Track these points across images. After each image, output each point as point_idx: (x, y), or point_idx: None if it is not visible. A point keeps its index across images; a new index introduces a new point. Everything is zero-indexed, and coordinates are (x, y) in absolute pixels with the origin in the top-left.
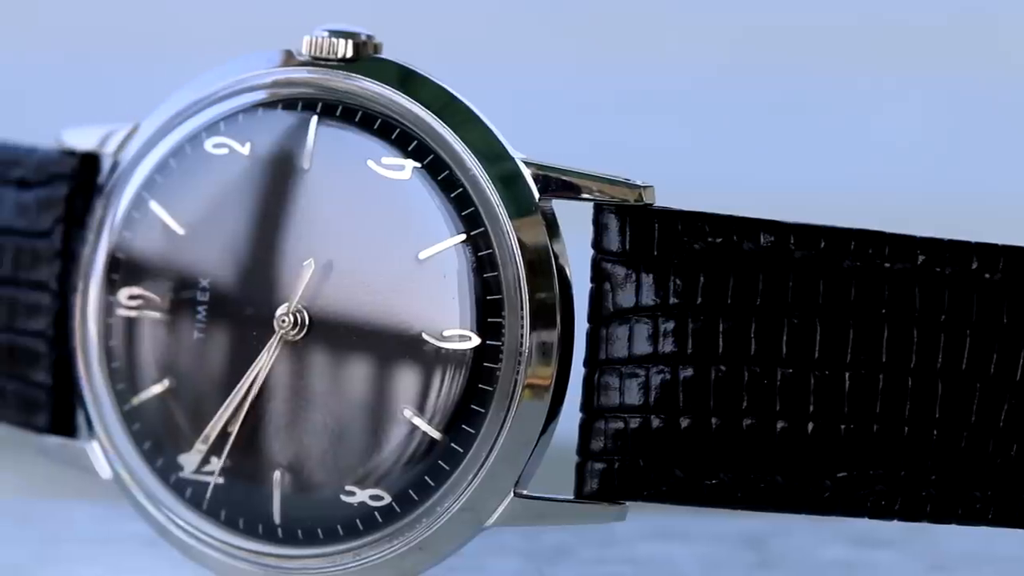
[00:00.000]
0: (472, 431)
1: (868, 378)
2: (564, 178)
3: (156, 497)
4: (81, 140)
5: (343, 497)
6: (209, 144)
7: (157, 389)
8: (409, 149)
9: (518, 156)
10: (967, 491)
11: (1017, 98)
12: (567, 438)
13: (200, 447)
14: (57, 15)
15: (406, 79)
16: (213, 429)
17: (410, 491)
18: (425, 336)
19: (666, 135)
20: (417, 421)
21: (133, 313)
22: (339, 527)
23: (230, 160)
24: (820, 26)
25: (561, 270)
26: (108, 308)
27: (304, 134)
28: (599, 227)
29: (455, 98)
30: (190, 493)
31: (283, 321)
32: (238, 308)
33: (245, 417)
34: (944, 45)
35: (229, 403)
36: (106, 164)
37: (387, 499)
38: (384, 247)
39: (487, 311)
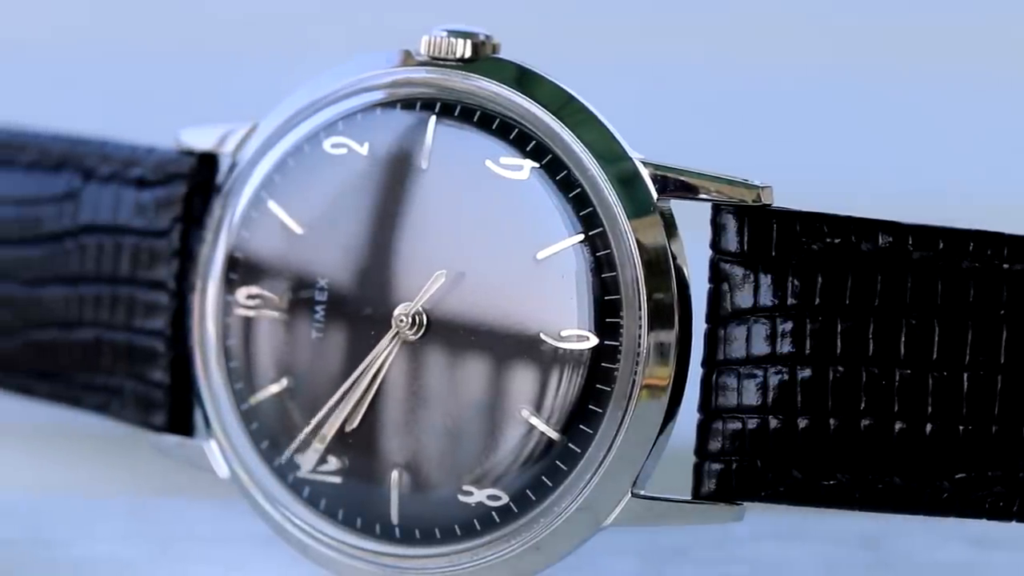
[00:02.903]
0: (590, 431)
1: (986, 379)
2: (682, 178)
3: (273, 496)
4: (199, 140)
5: (461, 497)
6: (328, 144)
7: (275, 388)
8: (527, 149)
9: (636, 156)
10: None
11: None
12: (685, 438)
13: (317, 446)
14: (176, 16)
15: (524, 79)
16: (330, 428)
17: (528, 491)
18: (543, 336)
19: (781, 134)
20: (535, 421)
21: (251, 312)
22: (456, 527)
23: (348, 160)
24: (933, 27)
25: (679, 270)
26: (226, 307)
27: (422, 134)
28: (717, 227)
29: (573, 98)
30: (308, 492)
31: (401, 321)
32: (356, 308)
33: (363, 416)
34: None
35: (346, 402)
36: (224, 164)
37: (505, 499)
38: (502, 247)
39: (605, 311)
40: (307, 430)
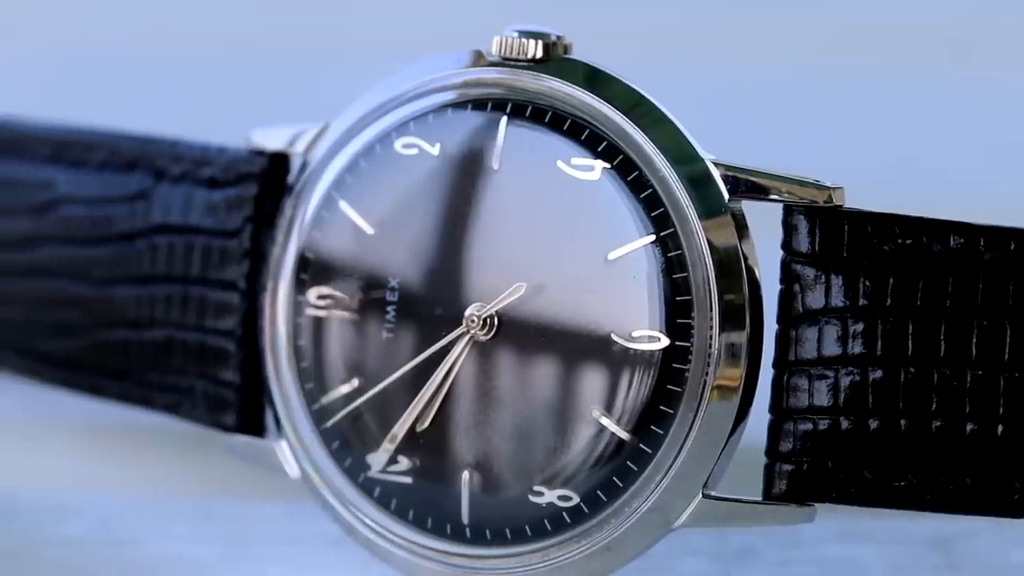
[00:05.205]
0: (661, 432)
1: None
2: (753, 179)
3: (344, 496)
4: (270, 140)
5: (531, 497)
6: (399, 144)
7: (345, 389)
8: (599, 150)
9: (708, 157)
10: None
11: None
12: (755, 439)
13: (387, 446)
14: (248, 15)
15: (595, 79)
16: (401, 428)
17: (598, 492)
18: (614, 337)
19: (851, 135)
20: (605, 422)
21: (322, 313)
22: (527, 527)
23: (420, 160)
24: (998, 28)
25: (750, 271)
26: (297, 307)
27: (494, 134)
28: (789, 228)
29: (644, 98)
30: (378, 492)
31: (472, 321)
32: (427, 308)
33: (433, 417)
34: None
35: (417, 402)
36: (295, 164)
37: (575, 500)
38: (573, 248)
39: (676, 312)
40: (350, 408)
